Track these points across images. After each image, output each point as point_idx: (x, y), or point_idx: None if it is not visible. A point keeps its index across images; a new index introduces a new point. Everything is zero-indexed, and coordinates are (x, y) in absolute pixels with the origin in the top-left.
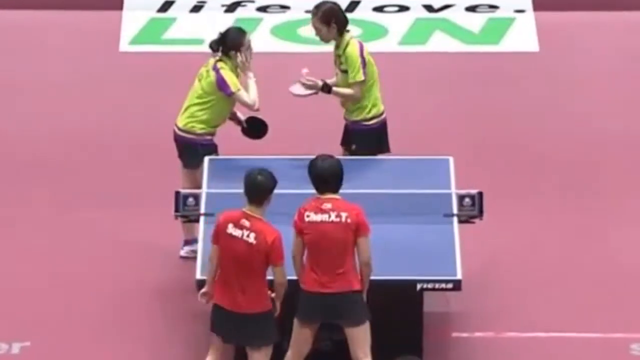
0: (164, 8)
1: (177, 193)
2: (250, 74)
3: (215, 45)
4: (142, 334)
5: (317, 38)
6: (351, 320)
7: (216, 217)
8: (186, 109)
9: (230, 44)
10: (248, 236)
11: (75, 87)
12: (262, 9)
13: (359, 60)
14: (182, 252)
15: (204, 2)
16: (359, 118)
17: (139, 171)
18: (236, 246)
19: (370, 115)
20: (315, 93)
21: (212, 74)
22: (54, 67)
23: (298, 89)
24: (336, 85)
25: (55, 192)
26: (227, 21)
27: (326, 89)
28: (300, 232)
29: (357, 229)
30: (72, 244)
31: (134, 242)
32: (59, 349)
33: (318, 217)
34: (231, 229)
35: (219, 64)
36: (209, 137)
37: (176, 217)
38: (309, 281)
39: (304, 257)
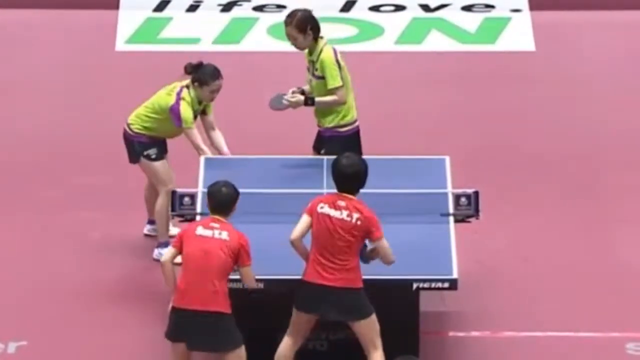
0: (160, 7)
1: (174, 192)
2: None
3: (189, 69)
4: (139, 333)
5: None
6: (354, 316)
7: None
8: (140, 107)
9: (200, 74)
10: (220, 234)
11: (72, 86)
12: (259, 8)
13: (335, 65)
14: (145, 230)
15: (200, 2)
16: (332, 124)
17: (137, 170)
18: (206, 244)
19: (343, 121)
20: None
21: (174, 97)
22: (50, 66)
23: (275, 103)
24: (310, 92)
25: (51, 191)
26: (223, 20)
27: (310, 102)
28: (310, 214)
29: (368, 232)
30: (69, 243)
31: (131, 242)
32: (56, 348)
33: (331, 212)
34: (200, 231)
35: (184, 92)
36: (145, 139)
37: (172, 216)
38: (310, 272)
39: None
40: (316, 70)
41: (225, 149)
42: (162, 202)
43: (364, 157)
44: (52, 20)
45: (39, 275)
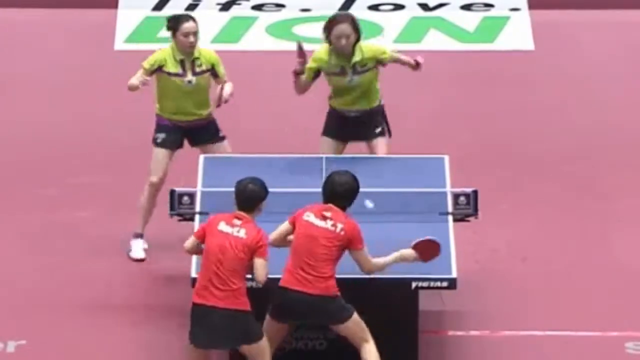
0: (159, 6)
1: (172, 192)
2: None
3: (167, 24)
4: (138, 332)
5: (314, 37)
6: (333, 321)
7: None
8: None
9: (170, 23)
10: (239, 232)
11: (70, 85)
12: (258, 7)
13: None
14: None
15: (199, 1)
16: (375, 104)
17: (136, 170)
18: (225, 241)
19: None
20: None
21: None
22: (49, 66)
23: None
24: (359, 85)
25: (50, 190)
26: (222, 19)
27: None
28: (292, 223)
29: (350, 242)
30: (67, 243)
31: (129, 241)
32: (55, 348)
33: (315, 221)
34: (222, 226)
35: (165, 47)
36: (159, 119)
37: (171, 215)
38: (286, 278)
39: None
40: (364, 65)
41: (226, 93)
42: (144, 192)
43: (363, 156)
44: (51, 20)
45: (37, 274)
